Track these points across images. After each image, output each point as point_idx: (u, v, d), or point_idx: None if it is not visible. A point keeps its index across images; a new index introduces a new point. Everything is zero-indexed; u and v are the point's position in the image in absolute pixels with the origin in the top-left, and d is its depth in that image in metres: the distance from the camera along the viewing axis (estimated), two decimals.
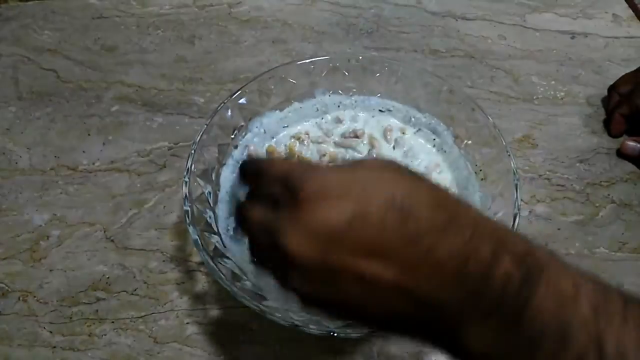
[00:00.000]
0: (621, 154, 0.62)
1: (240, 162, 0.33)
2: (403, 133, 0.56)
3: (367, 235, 0.25)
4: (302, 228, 0.25)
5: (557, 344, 0.23)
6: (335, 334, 0.40)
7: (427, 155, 0.55)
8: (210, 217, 0.47)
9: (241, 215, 0.30)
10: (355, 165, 0.28)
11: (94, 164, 0.60)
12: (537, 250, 0.26)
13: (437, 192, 0.27)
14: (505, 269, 0.24)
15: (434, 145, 0.55)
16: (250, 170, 0.31)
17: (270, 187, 0.28)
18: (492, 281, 0.24)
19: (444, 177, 0.53)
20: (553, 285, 0.24)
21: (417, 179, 0.27)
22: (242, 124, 0.54)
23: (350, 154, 0.54)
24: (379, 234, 0.24)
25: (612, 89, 0.66)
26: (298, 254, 0.25)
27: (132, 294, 0.51)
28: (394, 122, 0.57)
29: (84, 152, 0.61)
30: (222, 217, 0.49)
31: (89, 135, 0.63)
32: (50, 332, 0.49)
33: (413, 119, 0.56)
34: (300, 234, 0.25)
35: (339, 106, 0.57)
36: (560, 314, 0.24)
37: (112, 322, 0.49)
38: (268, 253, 0.28)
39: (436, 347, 0.27)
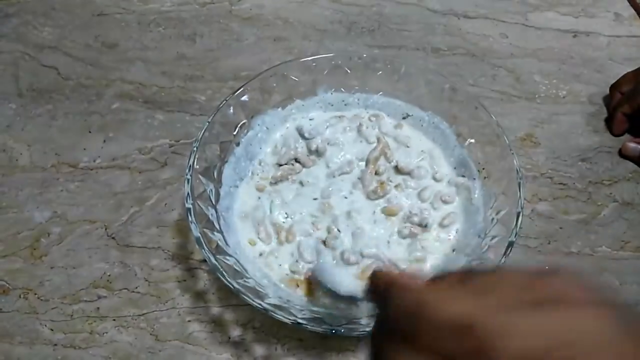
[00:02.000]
0: (622, 154, 0.62)
1: (373, 284, 0.27)
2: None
3: None
4: None
5: None
6: (338, 332, 0.40)
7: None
8: (212, 215, 0.46)
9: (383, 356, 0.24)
10: (545, 302, 0.22)
11: (94, 161, 0.60)
12: None
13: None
14: None
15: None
16: (400, 307, 0.24)
17: (437, 339, 0.22)
18: None
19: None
20: None
21: (628, 326, 0.21)
22: (244, 121, 0.53)
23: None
24: None
25: (614, 87, 0.66)
26: None
27: (134, 291, 0.51)
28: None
29: (84, 149, 0.61)
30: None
31: (89, 132, 0.63)
32: (51, 329, 0.48)
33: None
34: None
35: (345, 104, 0.57)
36: None
37: (114, 319, 0.49)
38: None
39: None
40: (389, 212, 0.50)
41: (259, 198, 0.52)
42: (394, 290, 0.25)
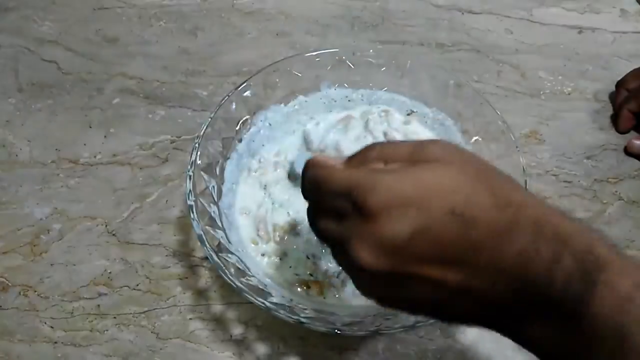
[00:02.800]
0: (628, 152, 0.62)
1: (301, 170, 0.32)
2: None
3: (431, 245, 0.26)
4: (368, 241, 0.26)
5: (615, 346, 0.23)
6: (341, 332, 0.39)
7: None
8: (214, 212, 0.46)
9: (314, 226, 0.31)
10: (416, 162, 0.28)
11: (95, 157, 0.59)
12: (598, 245, 0.25)
13: (498, 189, 0.27)
14: (565, 269, 0.24)
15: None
16: (311, 183, 0.31)
17: (334, 201, 0.28)
18: (554, 282, 0.25)
19: None
20: (611, 286, 0.24)
21: (478, 176, 0.27)
22: (247, 117, 0.53)
23: None
24: (442, 244, 0.26)
25: (619, 84, 0.65)
26: (367, 266, 0.27)
27: (134, 289, 0.50)
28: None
29: (85, 144, 0.60)
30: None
31: (90, 127, 0.62)
32: (52, 327, 0.48)
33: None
34: (368, 247, 0.26)
35: (349, 100, 0.57)
36: (618, 316, 0.24)
37: (114, 317, 0.49)
38: (343, 261, 0.29)
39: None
40: None
41: (259, 194, 0.51)
42: (309, 169, 0.31)
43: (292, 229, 0.49)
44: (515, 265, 0.25)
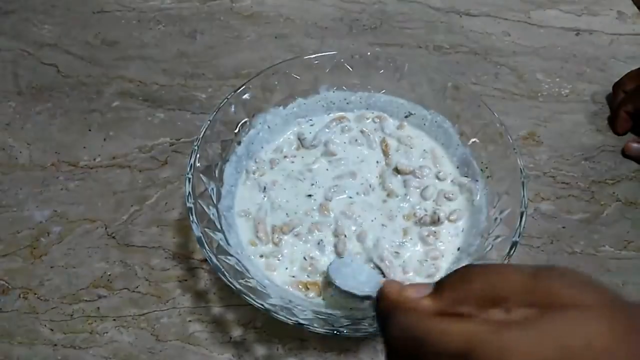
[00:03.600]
0: (625, 154, 0.62)
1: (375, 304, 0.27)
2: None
3: None
4: None
5: None
6: (340, 333, 0.39)
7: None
8: (213, 214, 0.46)
9: None
10: (545, 309, 0.22)
11: (94, 159, 0.60)
12: None
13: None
14: None
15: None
16: (401, 332, 0.25)
17: None
18: None
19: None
20: None
21: (625, 324, 0.21)
22: (246, 119, 0.53)
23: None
24: None
25: (617, 86, 0.65)
26: None
27: (134, 291, 0.50)
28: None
29: (84, 147, 0.61)
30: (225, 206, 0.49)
31: (89, 130, 0.62)
32: (51, 329, 0.48)
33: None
34: None
35: (347, 103, 0.57)
36: None
37: (114, 319, 0.49)
38: None
39: None
40: (397, 213, 0.50)
41: (258, 196, 0.51)
42: (395, 313, 0.25)
43: (291, 230, 0.49)
44: None
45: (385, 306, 0.26)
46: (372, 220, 0.50)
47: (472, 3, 0.78)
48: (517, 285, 0.23)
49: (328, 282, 0.45)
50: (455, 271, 0.25)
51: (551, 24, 0.76)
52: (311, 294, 0.46)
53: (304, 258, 0.48)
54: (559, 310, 0.22)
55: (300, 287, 0.46)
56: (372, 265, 0.47)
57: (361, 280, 0.40)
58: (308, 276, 0.47)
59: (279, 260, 0.48)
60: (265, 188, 0.52)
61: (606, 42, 0.74)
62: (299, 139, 0.55)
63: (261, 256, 0.48)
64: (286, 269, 0.47)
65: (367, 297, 0.38)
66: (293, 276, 0.47)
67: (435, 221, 0.49)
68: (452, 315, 0.24)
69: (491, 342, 0.21)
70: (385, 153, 0.54)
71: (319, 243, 0.48)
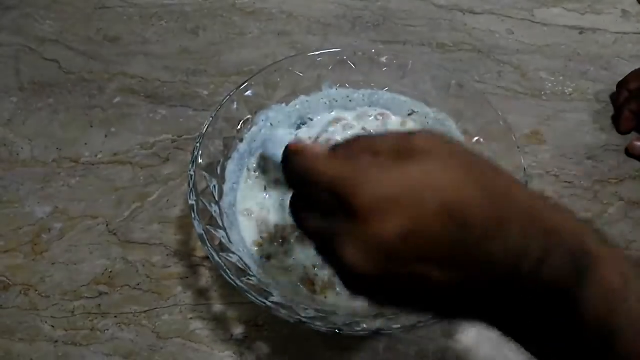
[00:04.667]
0: (629, 153, 0.62)
1: (282, 156, 0.30)
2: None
3: (422, 246, 0.25)
4: (357, 242, 0.25)
5: (605, 346, 0.24)
6: (341, 331, 0.39)
7: None
8: (215, 212, 0.46)
9: (296, 219, 0.30)
10: (404, 156, 0.26)
11: (96, 156, 0.59)
12: (587, 239, 0.26)
13: (487, 181, 0.26)
14: (554, 265, 0.25)
15: None
16: (294, 173, 0.29)
17: (319, 195, 0.27)
18: (543, 279, 0.25)
19: None
20: (600, 281, 0.24)
21: (467, 168, 0.26)
22: (248, 117, 0.53)
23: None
24: (434, 246, 0.25)
25: (621, 85, 0.65)
26: (355, 266, 0.25)
27: (135, 288, 0.50)
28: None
29: (86, 144, 0.60)
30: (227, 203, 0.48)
31: (91, 127, 0.62)
32: (52, 326, 0.48)
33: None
34: (357, 247, 0.25)
35: (350, 100, 0.57)
36: (608, 315, 0.24)
37: (115, 316, 0.49)
38: (328, 259, 0.28)
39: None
40: None
41: (261, 195, 0.51)
42: (293, 158, 0.29)
43: (295, 229, 0.48)
44: (505, 262, 0.25)
45: (287, 154, 0.29)
46: None
47: (475, 1, 0.77)
48: (390, 142, 0.28)
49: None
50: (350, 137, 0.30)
51: (555, 22, 0.75)
52: (314, 291, 0.46)
53: (310, 257, 0.47)
54: (412, 156, 0.26)
55: (305, 285, 0.46)
56: None
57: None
58: (316, 274, 0.47)
59: (283, 259, 0.47)
60: (266, 187, 0.51)
61: (610, 40, 0.74)
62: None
63: (266, 255, 0.47)
64: (290, 270, 0.47)
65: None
66: (299, 275, 0.47)
67: None
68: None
69: (352, 175, 0.25)
70: None
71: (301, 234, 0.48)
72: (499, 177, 0.27)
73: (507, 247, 0.25)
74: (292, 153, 0.29)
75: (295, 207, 0.30)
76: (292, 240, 0.48)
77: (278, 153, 0.41)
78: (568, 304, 0.24)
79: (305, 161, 0.28)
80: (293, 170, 0.29)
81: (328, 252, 0.27)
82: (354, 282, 0.27)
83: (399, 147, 0.27)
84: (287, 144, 0.31)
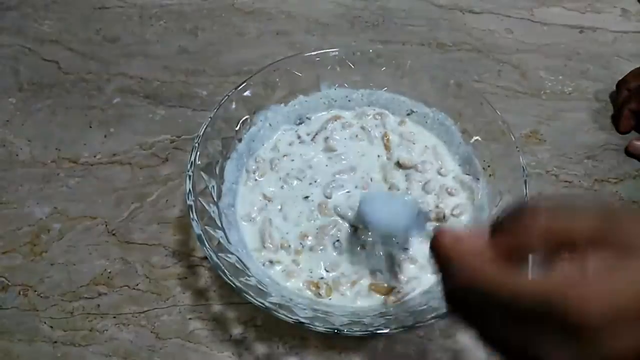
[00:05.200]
0: (629, 152, 0.61)
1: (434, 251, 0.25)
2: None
3: None
4: None
5: None
6: (340, 332, 0.39)
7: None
8: (214, 212, 0.46)
9: (485, 336, 0.24)
10: (623, 254, 0.21)
11: (95, 156, 0.59)
12: None
13: None
14: None
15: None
16: (468, 285, 0.23)
17: (515, 313, 0.21)
18: None
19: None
20: None
21: None
22: (247, 117, 0.53)
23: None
24: None
25: (620, 84, 0.65)
26: None
27: (134, 288, 0.50)
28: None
29: (85, 144, 0.60)
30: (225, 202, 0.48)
31: (90, 127, 0.62)
32: (51, 327, 0.48)
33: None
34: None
35: (349, 100, 0.57)
36: None
37: (114, 317, 0.49)
38: None
39: None
40: None
41: (260, 201, 0.51)
42: (455, 264, 0.24)
43: (303, 237, 0.49)
44: None
45: (442, 255, 0.24)
46: None
47: (474, 0, 0.77)
48: (585, 225, 0.22)
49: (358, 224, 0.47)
50: (511, 212, 0.24)
51: (555, 21, 0.75)
52: (321, 295, 0.46)
53: (317, 260, 0.47)
54: (634, 253, 0.21)
55: (311, 287, 0.46)
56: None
57: (396, 212, 0.41)
58: (321, 278, 0.47)
59: (288, 265, 0.47)
60: (265, 194, 0.51)
61: (610, 39, 0.73)
62: (298, 136, 0.55)
63: (270, 262, 0.47)
64: (296, 277, 0.47)
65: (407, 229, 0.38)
66: (305, 279, 0.47)
67: (441, 219, 0.48)
68: (516, 263, 0.22)
69: (567, 289, 0.20)
70: (387, 147, 0.54)
71: (321, 247, 0.48)
72: None
73: None
74: (449, 256, 0.24)
75: (479, 326, 0.24)
76: (298, 248, 0.48)
77: (376, 218, 0.42)
78: None
79: (481, 272, 0.23)
80: (461, 282, 0.24)
81: None
82: None
83: (602, 236, 0.22)
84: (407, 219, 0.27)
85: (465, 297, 0.24)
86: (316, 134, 0.55)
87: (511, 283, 0.22)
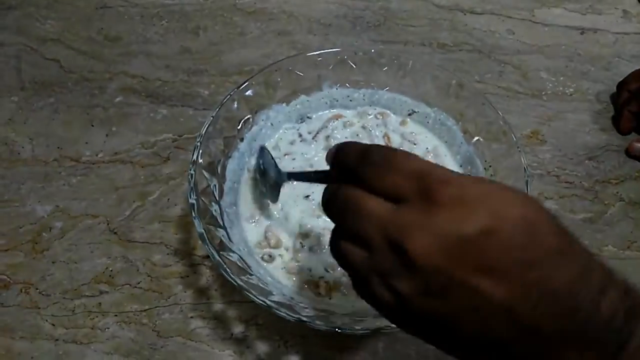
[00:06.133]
0: (629, 154, 0.62)
1: (338, 145, 0.29)
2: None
3: (493, 252, 0.24)
4: (432, 232, 0.24)
5: None
6: (341, 330, 0.39)
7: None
8: (215, 211, 0.46)
9: (342, 199, 0.28)
10: (485, 180, 0.26)
11: (97, 155, 0.59)
12: (635, 287, 0.25)
13: (556, 220, 0.25)
14: (611, 302, 0.24)
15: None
16: (371, 157, 0.27)
17: (396, 181, 0.26)
18: (599, 313, 0.24)
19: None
20: None
21: (541, 206, 0.26)
22: (248, 116, 0.53)
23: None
24: (503, 253, 0.24)
25: (621, 85, 0.65)
26: (421, 257, 0.24)
27: (136, 287, 0.50)
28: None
29: (87, 143, 0.60)
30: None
31: (92, 126, 0.62)
32: (53, 324, 0.48)
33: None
34: (429, 237, 0.24)
35: (350, 100, 0.57)
36: None
37: (115, 315, 0.49)
38: (375, 251, 0.26)
39: None
40: None
41: (263, 201, 0.51)
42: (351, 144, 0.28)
43: (305, 237, 0.49)
44: (563, 290, 0.24)
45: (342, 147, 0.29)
46: None
47: (476, 1, 0.78)
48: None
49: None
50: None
51: (556, 22, 0.76)
52: (321, 294, 0.46)
53: (320, 262, 0.48)
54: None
55: (311, 286, 0.46)
56: None
57: None
58: (320, 277, 0.47)
59: (290, 264, 0.48)
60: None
61: (611, 41, 0.74)
62: (300, 134, 0.55)
63: (271, 258, 0.48)
64: (297, 275, 0.47)
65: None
66: (307, 278, 0.47)
67: None
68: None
69: (438, 171, 0.26)
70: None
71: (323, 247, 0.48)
72: (562, 223, 0.26)
73: (569, 276, 0.24)
74: (360, 144, 0.28)
75: (345, 191, 0.28)
76: (299, 247, 0.48)
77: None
78: (621, 341, 0.24)
79: (385, 150, 0.27)
80: (370, 153, 0.27)
81: (384, 242, 0.25)
82: (406, 279, 0.25)
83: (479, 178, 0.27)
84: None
85: (360, 158, 0.28)
86: (317, 133, 0.55)
87: (405, 156, 0.27)
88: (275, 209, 0.50)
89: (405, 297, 0.25)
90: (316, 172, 0.40)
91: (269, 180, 0.49)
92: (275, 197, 0.49)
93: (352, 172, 0.28)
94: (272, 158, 0.49)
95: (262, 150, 0.51)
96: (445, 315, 0.25)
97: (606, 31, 0.75)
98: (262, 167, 0.50)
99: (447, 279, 0.24)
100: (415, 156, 0.27)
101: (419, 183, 0.25)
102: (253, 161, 0.53)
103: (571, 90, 0.68)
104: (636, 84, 0.63)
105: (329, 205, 0.29)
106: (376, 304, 0.27)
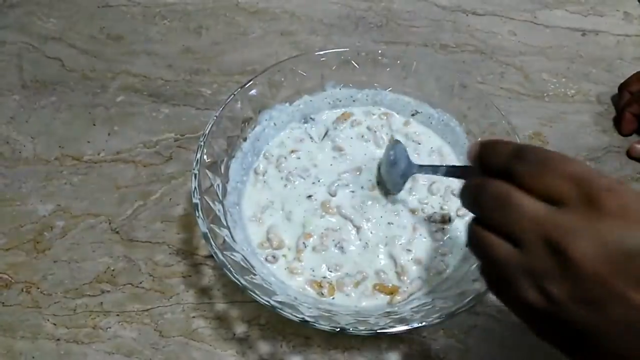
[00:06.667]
0: (630, 155, 0.62)
1: (483, 142, 0.29)
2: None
3: None
4: (595, 239, 0.23)
5: None
6: (345, 331, 0.39)
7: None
8: (219, 210, 0.46)
9: (492, 192, 0.27)
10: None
11: (99, 154, 0.59)
12: None
13: None
14: None
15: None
16: (527, 156, 0.26)
17: (554, 182, 0.25)
18: None
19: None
20: None
21: None
22: (252, 116, 0.53)
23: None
24: None
25: (623, 87, 0.65)
26: (583, 263, 0.23)
27: (138, 286, 0.50)
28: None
29: (88, 142, 0.60)
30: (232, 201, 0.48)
31: (94, 125, 0.62)
32: (54, 324, 0.48)
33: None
34: (593, 243, 0.23)
35: (353, 100, 0.57)
36: None
37: (117, 314, 0.49)
38: (528, 248, 0.25)
39: None
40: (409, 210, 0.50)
41: (266, 200, 0.51)
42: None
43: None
44: None
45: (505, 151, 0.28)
46: (381, 217, 0.50)
47: (478, 2, 0.78)
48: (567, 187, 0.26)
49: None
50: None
51: (557, 24, 0.76)
52: (324, 295, 0.46)
53: (321, 260, 0.47)
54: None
55: (314, 287, 0.46)
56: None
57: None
58: (324, 277, 0.47)
59: (292, 263, 0.47)
60: (272, 193, 0.51)
61: (612, 42, 0.74)
62: (308, 134, 0.55)
63: (274, 258, 0.47)
64: (299, 273, 0.47)
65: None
66: (305, 278, 0.47)
67: (446, 220, 0.49)
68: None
69: (600, 177, 0.25)
70: None
71: (324, 248, 0.48)
72: None
73: None
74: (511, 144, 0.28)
75: (499, 188, 0.27)
76: (302, 247, 0.48)
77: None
78: None
79: (545, 152, 0.26)
80: (525, 153, 0.27)
81: (543, 244, 0.24)
82: (563, 283, 0.24)
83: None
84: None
85: (516, 156, 0.27)
86: (326, 133, 0.55)
87: (563, 158, 0.26)
88: (278, 208, 0.50)
89: (558, 302, 0.24)
90: (448, 166, 0.43)
91: (397, 171, 0.49)
92: (399, 188, 0.50)
93: (504, 170, 0.27)
94: (405, 150, 0.50)
95: (396, 142, 0.51)
96: (596, 327, 0.24)
97: (608, 33, 0.75)
98: (392, 158, 0.50)
99: (606, 289, 0.23)
100: (574, 160, 0.26)
101: (581, 188, 0.24)
102: (257, 162, 0.53)
103: (573, 91, 0.68)
104: (637, 86, 0.63)
105: (473, 197, 0.29)
106: (517, 304, 0.27)
